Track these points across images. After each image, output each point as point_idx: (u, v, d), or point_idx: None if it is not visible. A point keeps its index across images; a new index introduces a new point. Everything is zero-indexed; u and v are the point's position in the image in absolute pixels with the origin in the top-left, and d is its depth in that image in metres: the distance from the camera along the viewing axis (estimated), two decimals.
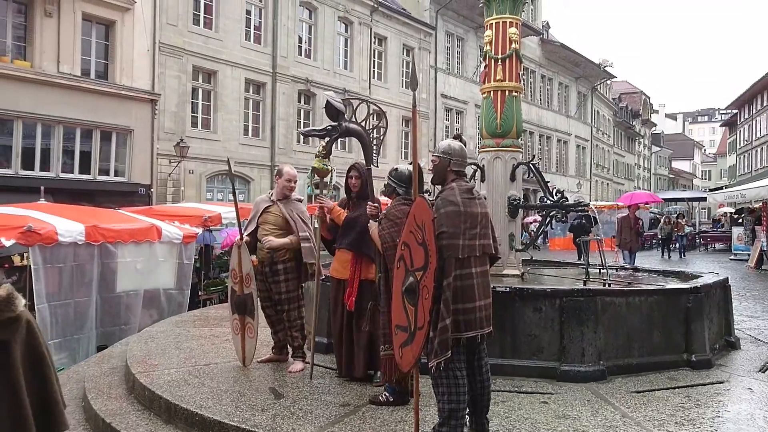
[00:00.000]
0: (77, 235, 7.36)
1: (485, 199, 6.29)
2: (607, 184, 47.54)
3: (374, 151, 4.63)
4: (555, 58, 37.39)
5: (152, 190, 17.74)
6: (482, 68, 6.65)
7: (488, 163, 6.47)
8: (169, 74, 18.10)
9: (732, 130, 54.92)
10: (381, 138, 4.89)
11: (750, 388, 4.39)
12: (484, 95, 6.56)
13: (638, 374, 4.54)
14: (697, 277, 5.88)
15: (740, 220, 20.42)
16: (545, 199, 6.32)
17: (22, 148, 14.99)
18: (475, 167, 6.56)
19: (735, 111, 51.23)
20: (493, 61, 6.44)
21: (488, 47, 6.53)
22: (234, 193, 5.24)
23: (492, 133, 6.43)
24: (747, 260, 18.99)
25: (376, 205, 4.13)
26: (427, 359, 3.11)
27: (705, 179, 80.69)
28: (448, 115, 29.59)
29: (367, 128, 4.69)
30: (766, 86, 39.20)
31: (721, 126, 67.01)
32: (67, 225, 7.33)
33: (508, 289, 4.60)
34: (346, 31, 24.20)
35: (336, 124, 4.47)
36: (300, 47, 22.30)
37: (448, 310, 3.03)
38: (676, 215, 26.12)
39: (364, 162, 4.81)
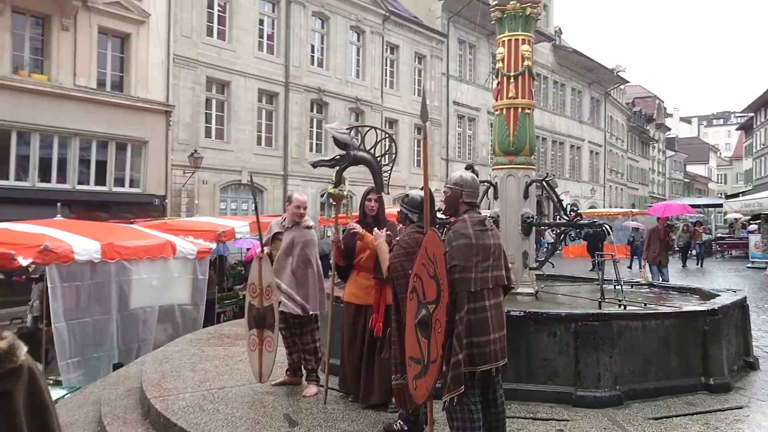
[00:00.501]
0: (93, 253, 7.43)
1: (497, 218, 6.32)
2: (621, 189, 47.18)
3: (384, 179, 4.65)
4: (567, 63, 37.24)
5: (167, 200, 17.89)
6: (495, 85, 6.63)
7: (501, 181, 6.45)
8: (183, 85, 18.26)
9: (748, 134, 54.29)
10: (391, 165, 4.90)
11: None
12: (497, 112, 6.55)
13: (655, 399, 4.48)
14: (714, 295, 5.81)
15: (752, 226, 20.32)
16: (558, 216, 6.28)
17: (39, 161, 15.19)
18: (488, 184, 6.54)
19: (751, 114, 50.64)
20: (505, 78, 6.43)
21: (500, 64, 6.52)
22: (256, 207, 5.33)
23: (505, 150, 6.42)
24: (765, 268, 18.75)
25: (389, 233, 4.13)
26: (441, 393, 3.10)
27: (720, 183, 79.85)
28: (461, 122, 29.55)
29: (377, 154, 4.70)
30: None
31: (737, 129, 66.28)
32: (83, 243, 7.40)
33: (522, 313, 4.57)
34: (358, 40, 24.28)
35: (344, 153, 4.49)
36: (312, 57, 22.40)
37: (460, 345, 3.02)
38: (693, 222, 25.16)
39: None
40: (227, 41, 19.61)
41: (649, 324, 4.62)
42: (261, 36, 20.74)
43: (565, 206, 6.37)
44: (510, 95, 6.39)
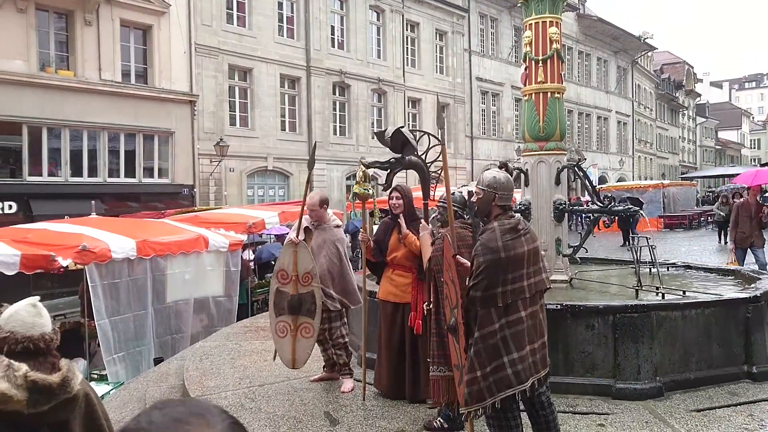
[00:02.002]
0: (129, 250, 7.58)
1: (529, 205, 6.25)
2: (651, 159, 46.27)
3: (432, 186, 4.64)
4: (592, 32, 36.36)
5: (195, 189, 18.10)
6: (523, 69, 6.51)
7: (532, 167, 6.36)
8: (205, 74, 18.33)
9: None
10: (439, 174, 4.78)
11: None
12: (526, 98, 6.44)
13: (697, 389, 4.43)
14: (755, 278, 5.69)
15: None
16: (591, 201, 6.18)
17: (70, 155, 15.46)
18: (518, 171, 6.46)
19: None
20: (533, 62, 6.30)
21: (528, 48, 6.38)
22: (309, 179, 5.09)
23: (535, 136, 6.32)
24: None
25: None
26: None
27: (754, 148, 77.75)
28: (484, 98, 29.18)
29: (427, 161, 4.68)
30: None
31: None
32: (120, 241, 7.55)
33: (559, 306, 4.53)
34: (378, 19, 24.02)
35: (399, 156, 4.43)
36: (333, 39, 22.26)
37: (481, 364, 2.95)
38: (732, 194, 20.37)
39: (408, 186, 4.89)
40: (247, 27, 19.57)
41: (689, 313, 4.54)
42: (281, 20, 20.64)
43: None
44: (539, 80, 6.26)
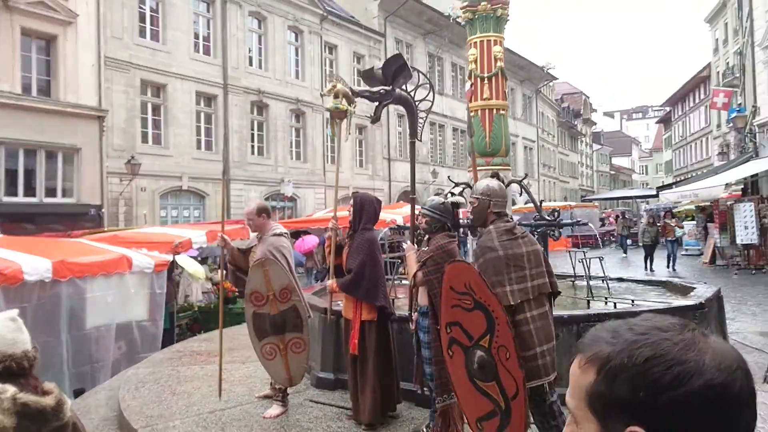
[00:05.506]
0: (44, 272, 6.88)
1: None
2: (554, 183, 48.71)
3: (419, 125, 4.41)
4: None
5: (103, 210, 16.98)
6: (468, 86, 6.60)
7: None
8: (116, 89, 17.38)
9: (667, 127, 57.34)
10: (426, 113, 4.56)
11: (761, 402, 4.46)
12: (472, 114, 6.52)
13: None
14: (689, 288, 5.99)
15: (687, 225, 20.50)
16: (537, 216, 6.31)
17: None
18: (464, 185, 6.50)
19: (669, 108, 53.55)
20: (479, 79, 6.41)
21: (473, 65, 6.49)
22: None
23: (482, 152, 6.40)
24: (697, 255, 19.80)
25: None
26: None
27: (642, 174, 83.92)
28: (401, 121, 29.59)
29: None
30: (698, 84, 41.10)
31: (656, 123, 69.85)
32: (33, 262, 6.85)
33: None
34: (297, 40, 23.89)
35: (390, 88, 4.14)
36: (251, 57, 21.86)
37: None
38: (662, 214, 20.76)
39: (361, 193, 4.72)
40: (161, 42, 18.82)
41: None
42: (197, 37, 20.05)
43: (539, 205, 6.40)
44: (484, 96, 6.37)
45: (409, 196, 4.50)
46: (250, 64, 21.77)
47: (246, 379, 5.42)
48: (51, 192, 15.92)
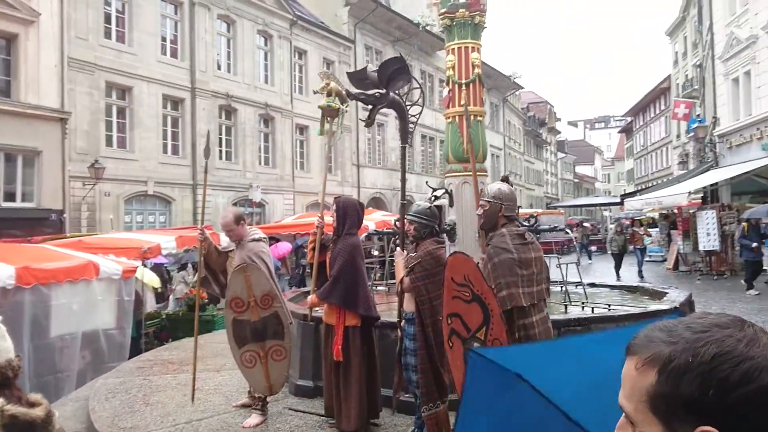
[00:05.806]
0: (7, 279, 6.61)
1: (454, 225, 6.27)
2: (520, 191, 49.33)
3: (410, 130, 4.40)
4: None
5: (65, 215, 16.49)
6: (446, 93, 6.60)
7: (456, 188, 6.40)
8: (79, 91, 16.93)
9: (629, 136, 58.75)
10: (417, 118, 4.58)
11: None
12: (449, 120, 6.50)
13: None
14: (661, 293, 6.09)
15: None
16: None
17: None
18: (443, 191, 6.49)
19: (630, 118, 54.90)
20: (456, 86, 6.40)
21: (451, 72, 6.47)
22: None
23: (459, 158, 6.38)
24: (661, 261, 20.25)
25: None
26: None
27: (605, 182, 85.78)
28: (370, 129, 29.62)
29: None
30: (659, 96, 42.25)
31: (618, 132, 71.53)
32: None
33: None
34: (266, 44, 23.70)
35: (385, 91, 4.10)
36: (219, 61, 21.59)
37: None
38: (628, 222, 21.33)
39: (345, 197, 4.68)
40: (127, 44, 18.43)
41: (624, 325, 4.73)
42: (164, 39, 19.70)
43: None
44: (462, 103, 6.36)
45: (399, 201, 4.47)
46: (219, 67, 21.50)
47: (221, 388, 5.29)
48: (10, 196, 15.40)
